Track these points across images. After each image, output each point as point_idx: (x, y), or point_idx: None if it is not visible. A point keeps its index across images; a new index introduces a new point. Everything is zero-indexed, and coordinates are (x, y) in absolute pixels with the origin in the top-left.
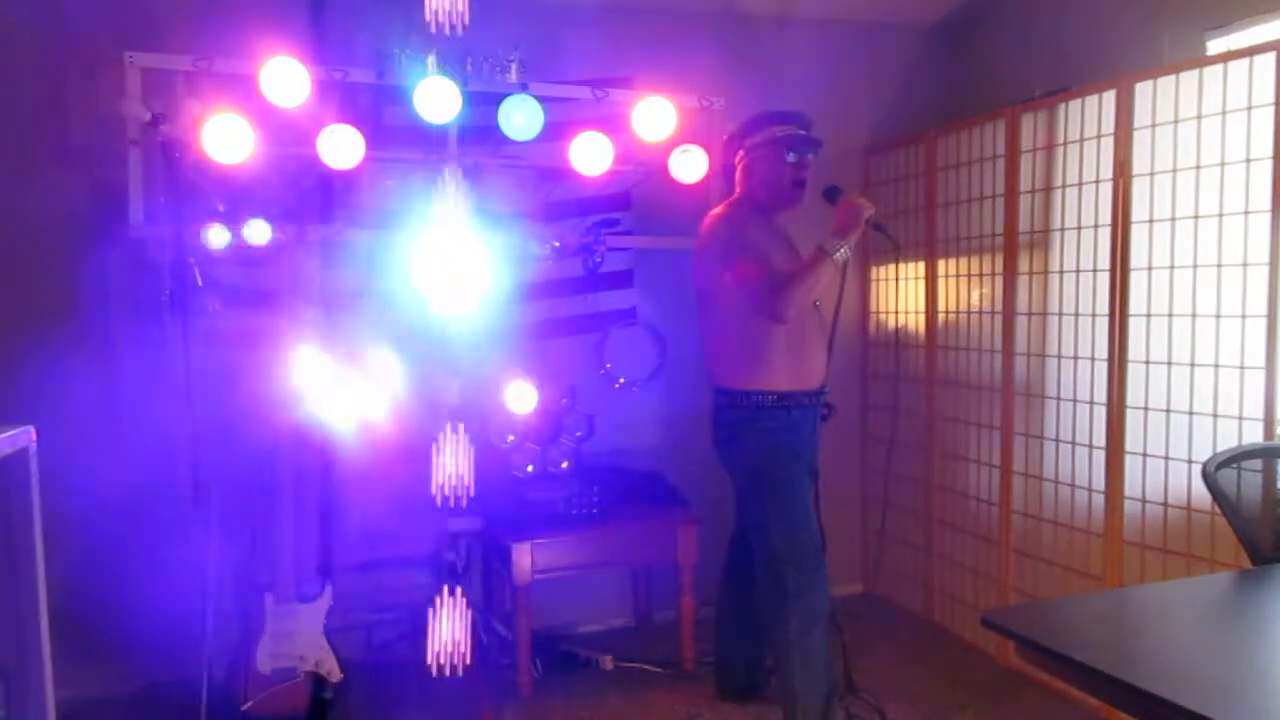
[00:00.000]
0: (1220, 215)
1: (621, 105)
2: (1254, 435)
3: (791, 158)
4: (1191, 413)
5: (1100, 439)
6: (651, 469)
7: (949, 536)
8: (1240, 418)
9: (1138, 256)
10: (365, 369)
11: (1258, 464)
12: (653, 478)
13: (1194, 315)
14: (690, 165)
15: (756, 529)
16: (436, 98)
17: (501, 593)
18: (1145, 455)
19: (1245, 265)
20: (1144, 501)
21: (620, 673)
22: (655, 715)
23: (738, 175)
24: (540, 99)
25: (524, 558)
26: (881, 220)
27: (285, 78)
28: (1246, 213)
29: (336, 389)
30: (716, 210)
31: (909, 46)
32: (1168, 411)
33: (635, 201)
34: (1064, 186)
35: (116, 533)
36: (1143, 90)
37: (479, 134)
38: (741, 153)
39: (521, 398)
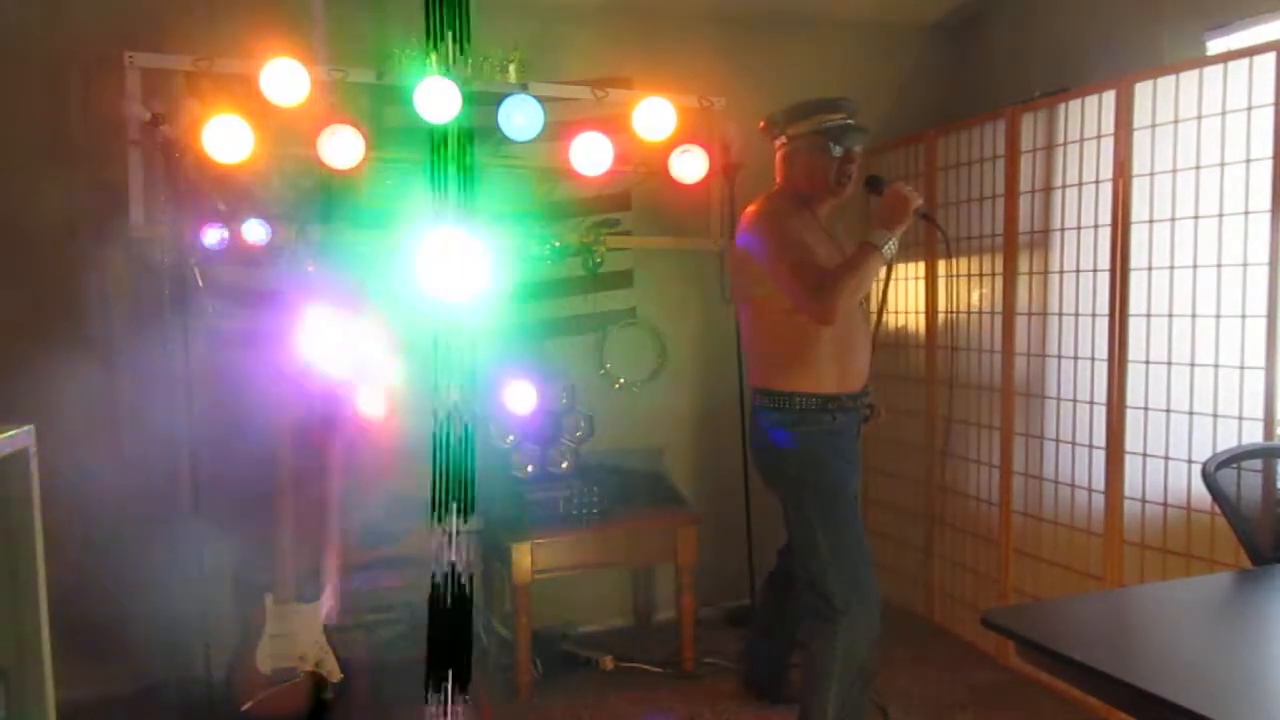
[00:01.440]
0: (1220, 215)
1: (621, 105)
2: (1254, 435)
3: (837, 151)
4: (1191, 413)
5: (1100, 439)
6: (651, 469)
7: (949, 536)
8: (1240, 418)
9: (1138, 256)
10: (365, 368)
11: (1258, 464)
12: (653, 478)
13: (1194, 315)
14: (690, 165)
15: (801, 539)
16: (437, 98)
17: (501, 593)
18: (1145, 455)
19: (1245, 265)
20: (1144, 501)
21: (620, 673)
22: (655, 715)
23: (778, 164)
24: (540, 99)
25: (524, 558)
26: (930, 210)
27: (285, 78)
28: (1246, 213)
29: (337, 389)
30: (755, 203)
31: (909, 46)
32: (1168, 411)
33: (635, 201)
34: (1064, 186)
35: (117, 532)
36: (1143, 90)
37: (479, 134)
38: (782, 140)
39: (522, 398)
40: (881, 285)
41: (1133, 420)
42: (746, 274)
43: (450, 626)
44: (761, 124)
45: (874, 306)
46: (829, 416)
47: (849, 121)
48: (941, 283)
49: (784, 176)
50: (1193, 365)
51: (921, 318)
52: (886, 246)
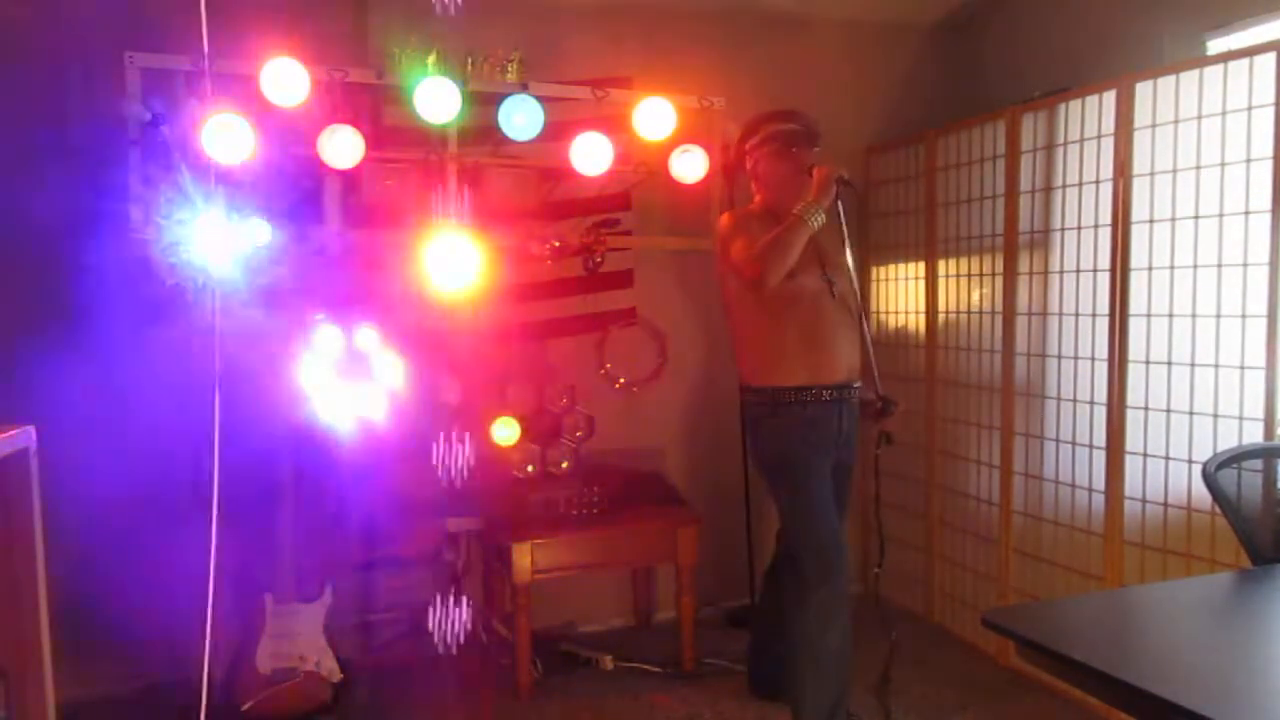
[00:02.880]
0: (1220, 215)
1: (621, 105)
2: (1254, 435)
3: (792, 150)
4: (1191, 413)
5: (1100, 439)
6: (651, 469)
7: (949, 536)
8: (1240, 418)
9: (1138, 256)
10: (366, 369)
11: (1258, 464)
12: (653, 478)
13: (1194, 315)
14: (690, 165)
15: (782, 523)
16: (436, 98)
17: (501, 593)
18: (1145, 455)
19: (1245, 265)
20: (1144, 501)
21: (620, 673)
22: (655, 715)
23: (753, 185)
24: (540, 99)
25: (524, 558)
26: (850, 177)
27: (285, 78)
28: (1246, 213)
29: (337, 389)
30: (727, 213)
31: (909, 46)
32: (1168, 411)
33: (635, 201)
34: (1064, 186)
35: (116, 532)
36: (1143, 90)
37: (479, 134)
38: (749, 160)
39: (522, 398)
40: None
41: (1133, 420)
42: (725, 280)
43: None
44: (733, 154)
45: (878, 306)
46: (801, 407)
47: (796, 127)
48: (941, 283)
49: (758, 193)
50: (1193, 365)
51: (922, 318)
52: (812, 216)
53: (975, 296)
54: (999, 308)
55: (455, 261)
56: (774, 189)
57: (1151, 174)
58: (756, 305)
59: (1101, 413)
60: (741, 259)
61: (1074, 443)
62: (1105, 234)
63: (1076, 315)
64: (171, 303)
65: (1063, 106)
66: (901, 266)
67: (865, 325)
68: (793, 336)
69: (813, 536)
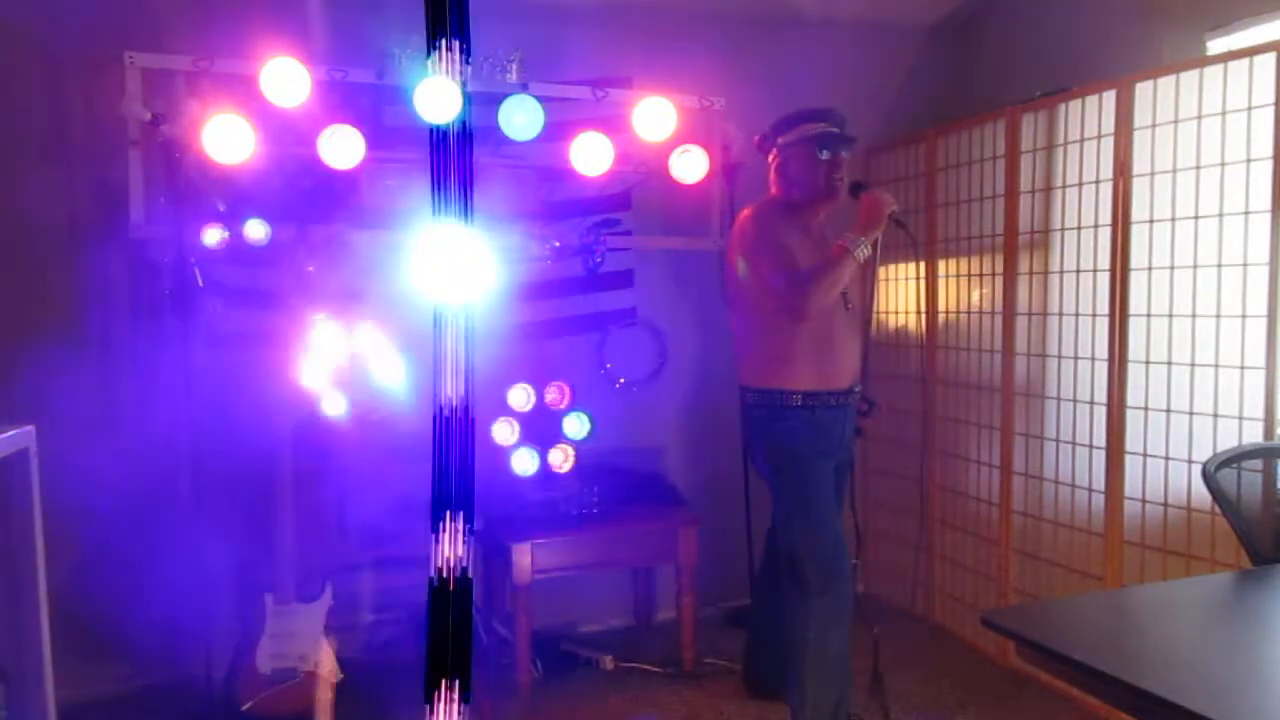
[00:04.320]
0: (1220, 215)
1: (621, 105)
2: (1254, 435)
3: (824, 155)
4: (1191, 413)
5: (1100, 439)
6: (651, 469)
7: (949, 536)
8: (1240, 418)
9: (1138, 256)
10: (365, 368)
11: (1258, 464)
12: (653, 478)
13: (1194, 315)
14: (690, 165)
15: (781, 526)
16: (436, 98)
17: (501, 593)
18: (1145, 455)
19: (1245, 265)
20: (1144, 501)
21: (620, 673)
22: (655, 715)
23: (772, 175)
24: (540, 99)
25: (524, 558)
26: (903, 216)
27: (285, 78)
28: (1246, 213)
29: (337, 388)
30: (746, 210)
31: (909, 46)
32: (1168, 411)
33: (635, 201)
34: (1064, 186)
35: (117, 532)
36: (1143, 90)
37: (479, 134)
38: (775, 151)
39: (522, 398)
40: (867, 287)
41: (1133, 420)
42: (734, 276)
43: (451, 627)
44: (755, 139)
45: (878, 306)
46: (809, 412)
47: (835, 129)
48: (941, 283)
49: (777, 186)
50: (1193, 365)
51: (922, 318)
52: (860, 249)
53: (975, 296)
54: (999, 308)
55: (454, 261)
56: (801, 189)
57: (1151, 174)
58: (769, 310)
59: (1101, 413)
60: (778, 288)
61: (1074, 443)
62: (1105, 234)
63: (1076, 315)
64: (170, 303)
65: (1063, 106)
66: (901, 266)
67: (868, 329)
68: (803, 342)
69: (817, 543)
